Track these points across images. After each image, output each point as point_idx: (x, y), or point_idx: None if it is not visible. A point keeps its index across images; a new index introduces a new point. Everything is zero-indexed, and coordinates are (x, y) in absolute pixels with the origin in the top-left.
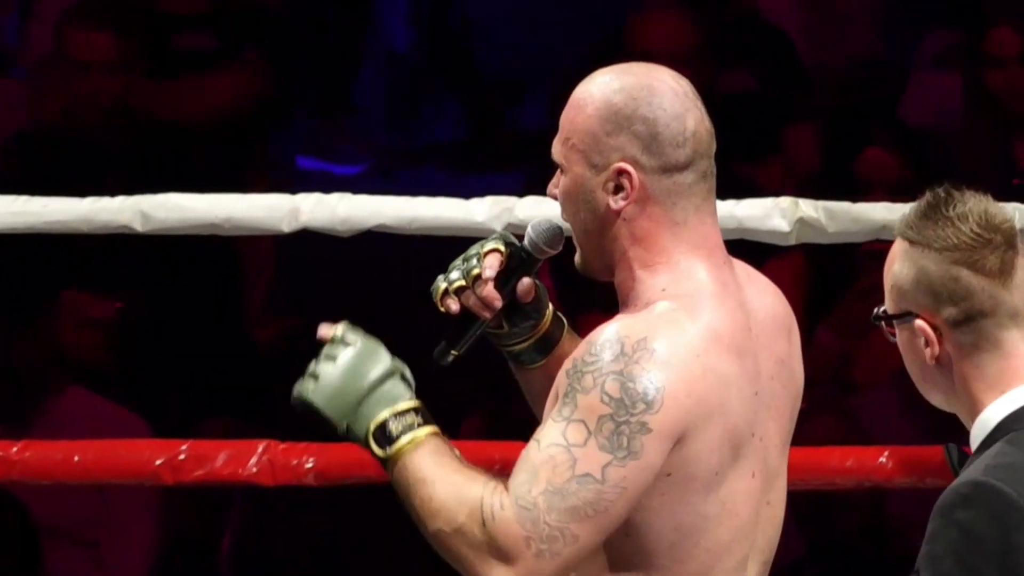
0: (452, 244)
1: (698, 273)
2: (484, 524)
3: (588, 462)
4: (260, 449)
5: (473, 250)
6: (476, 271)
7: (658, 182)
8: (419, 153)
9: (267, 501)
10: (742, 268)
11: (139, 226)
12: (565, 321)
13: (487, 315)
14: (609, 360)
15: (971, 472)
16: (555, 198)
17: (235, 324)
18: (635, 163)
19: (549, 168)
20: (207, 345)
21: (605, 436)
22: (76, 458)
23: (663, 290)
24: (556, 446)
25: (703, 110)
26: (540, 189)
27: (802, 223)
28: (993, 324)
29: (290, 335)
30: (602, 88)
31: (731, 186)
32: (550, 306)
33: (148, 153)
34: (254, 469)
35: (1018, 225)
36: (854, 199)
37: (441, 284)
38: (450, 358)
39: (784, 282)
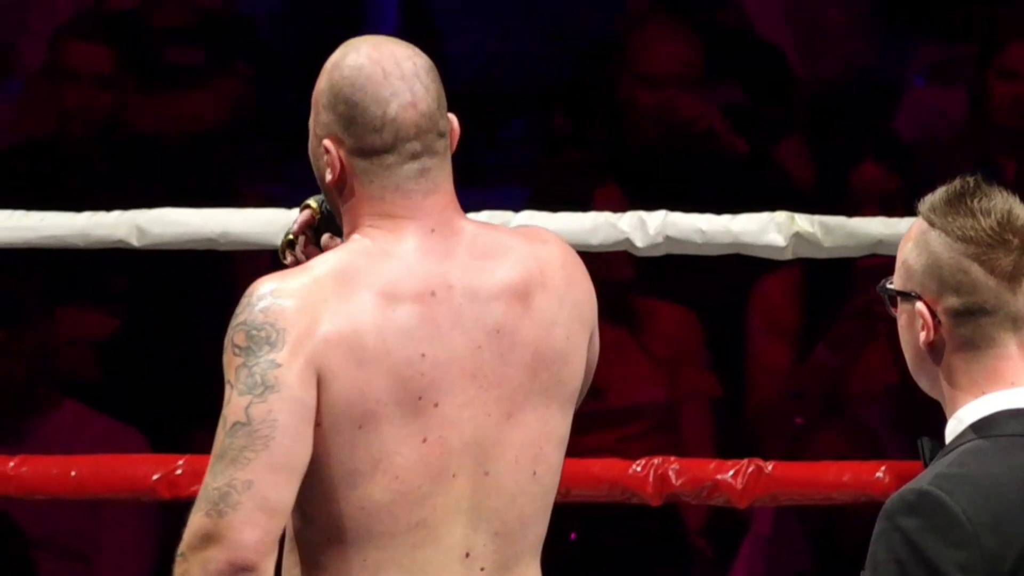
0: None
1: (386, 233)
2: (181, 555)
3: (234, 413)
4: None
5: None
6: (291, 232)
7: (357, 162)
8: None
9: None
10: (488, 240)
11: (135, 241)
12: None
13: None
14: (239, 312)
15: (923, 477)
16: None
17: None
18: (338, 141)
19: (540, 182)
20: (203, 359)
21: (242, 382)
22: (72, 473)
23: (340, 247)
24: (219, 420)
25: (426, 91)
26: (536, 204)
27: (798, 238)
28: (992, 323)
29: None
30: (333, 61)
31: (725, 200)
32: None
33: (139, 167)
34: None
35: None
36: (846, 213)
37: (280, 241)
38: None
39: (779, 297)
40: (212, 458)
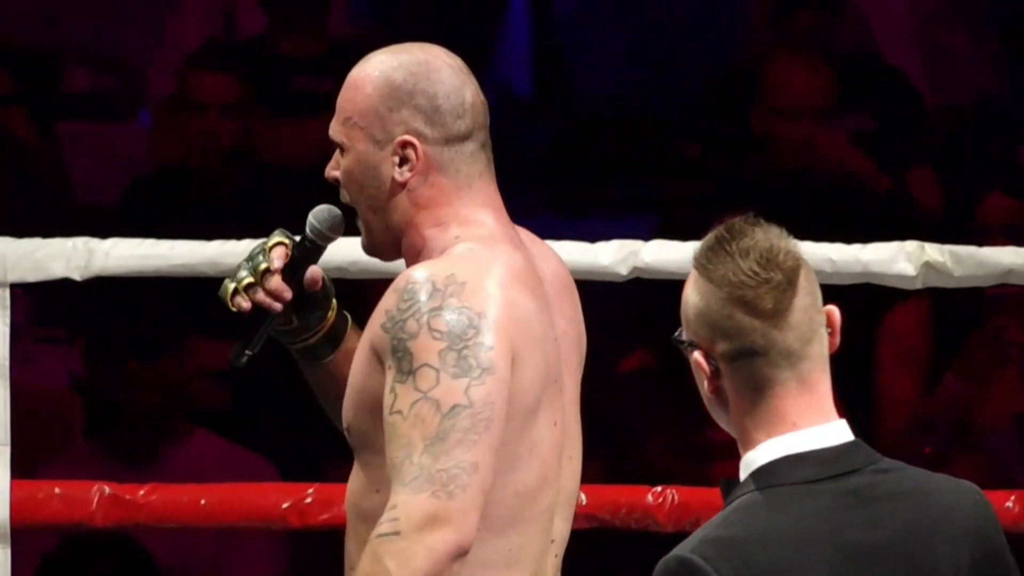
0: (579, 286)
1: (488, 222)
2: (395, 533)
3: (450, 395)
4: None
5: (256, 249)
6: (264, 265)
7: (441, 152)
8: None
9: None
10: (524, 233)
11: None
12: (348, 315)
13: (278, 307)
14: (425, 300)
15: (690, 540)
16: (335, 180)
17: None
18: (418, 135)
19: (670, 212)
20: None
21: (452, 365)
22: (202, 501)
23: (456, 237)
24: (416, 403)
25: (477, 84)
26: (667, 233)
27: (928, 267)
28: (765, 363)
29: None
30: (380, 67)
31: (852, 230)
32: (334, 299)
33: (267, 195)
34: None
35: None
36: (973, 244)
37: (230, 285)
38: (245, 359)
39: (909, 327)
40: (423, 440)
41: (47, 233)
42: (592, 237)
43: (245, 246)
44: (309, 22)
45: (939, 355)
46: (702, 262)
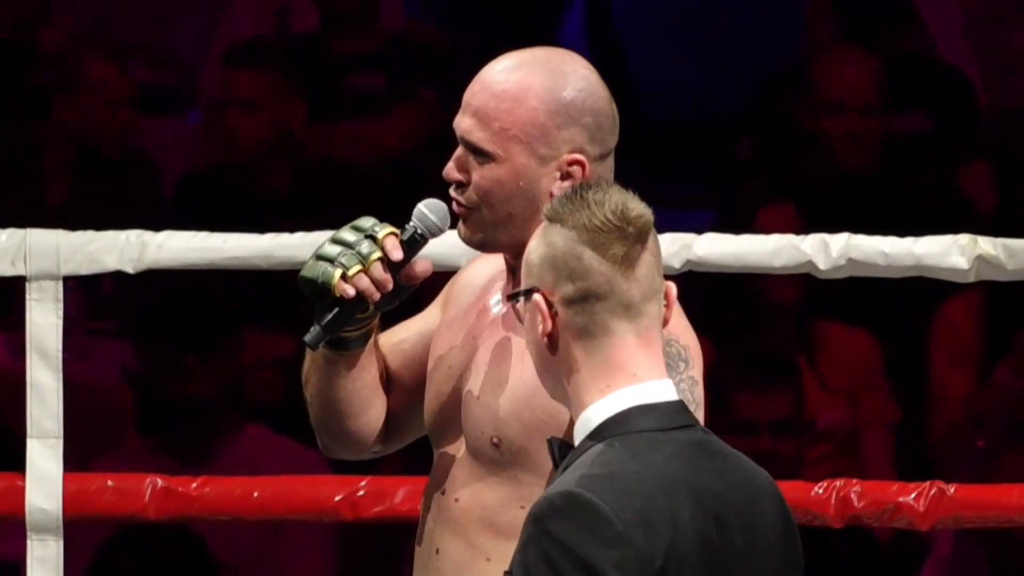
0: None
1: None
2: None
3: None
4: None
5: (351, 236)
6: (377, 255)
7: (596, 168)
8: None
9: None
10: None
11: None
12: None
13: (377, 296)
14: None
15: (566, 480)
16: (460, 182)
17: None
18: (584, 152)
19: (726, 209)
20: None
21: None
22: (255, 494)
23: None
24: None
25: None
26: (723, 227)
27: (981, 260)
28: (605, 309)
29: None
30: (542, 80)
31: (909, 224)
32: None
33: (318, 192)
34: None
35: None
36: None
37: (334, 270)
38: (322, 342)
39: (962, 320)
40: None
41: (100, 226)
42: None
43: (298, 239)
44: (362, 19)
45: (991, 349)
46: (556, 211)
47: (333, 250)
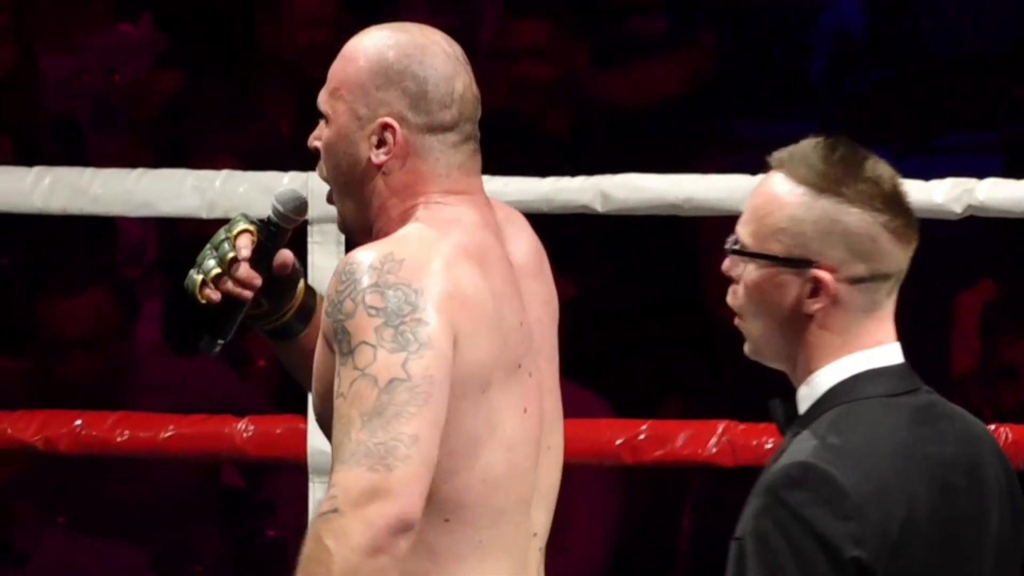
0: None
1: (454, 207)
2: (334, 511)
3: (387, 370)
4: (720, 430)
5: (219, 237)
6: (231, 255)
7: (422, 140)
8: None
9: (725, 482)
10: (503, 212)
11: (599, 207)
12: (316, 290)
13: (248, 295)
14: (361, 279)
15: (800, 450)
16: (315, 150)
17: (693, 304)
18: (401, 119)
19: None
20: (665, 325)
21: (389, 340)
22: None
23: (415, 219)
24: (354, 381)
25: (472, 76)
26: (1010, 172)
27: None
28: (886, 288)
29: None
30: (376, 42)
31: None
32: (302, 277)
33: (599, 136)
34: (714, 450)
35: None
36: None
37: (197, 276)
38: (217, 348)
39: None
40: (361, 416)
41: None
42: (927, 176)
43: (579, 183)
44: None
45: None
46: (830, 182)
47: (200, 256)
